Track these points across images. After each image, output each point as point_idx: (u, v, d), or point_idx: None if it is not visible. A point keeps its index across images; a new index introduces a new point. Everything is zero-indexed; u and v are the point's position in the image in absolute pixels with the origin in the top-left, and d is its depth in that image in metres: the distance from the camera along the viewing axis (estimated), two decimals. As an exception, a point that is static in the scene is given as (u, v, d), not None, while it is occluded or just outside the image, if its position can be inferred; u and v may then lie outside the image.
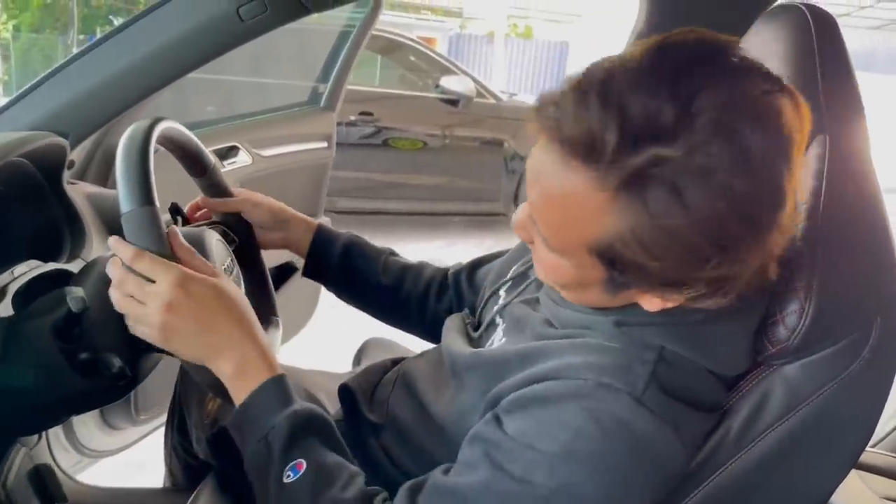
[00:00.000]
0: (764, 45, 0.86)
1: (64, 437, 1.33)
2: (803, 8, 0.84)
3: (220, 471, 1.05)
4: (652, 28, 1.14)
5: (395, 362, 1.05)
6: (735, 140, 0.56)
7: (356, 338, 1.51)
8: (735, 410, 0.75)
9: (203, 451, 1.08)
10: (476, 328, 0.94)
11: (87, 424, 1.38)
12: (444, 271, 1.15)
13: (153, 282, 0.73)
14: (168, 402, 1.27)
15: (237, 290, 0.79)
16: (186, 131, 0.96)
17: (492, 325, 0.89)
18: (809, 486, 0.79)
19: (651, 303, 0.68)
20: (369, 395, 0.97)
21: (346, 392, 0.98)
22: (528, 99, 6.28)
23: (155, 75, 1.09)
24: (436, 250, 4.91)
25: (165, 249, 0.75)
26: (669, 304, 0.67)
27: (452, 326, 0.95)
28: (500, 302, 0.92)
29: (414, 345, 1.27)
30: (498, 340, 0.84)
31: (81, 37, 11.46)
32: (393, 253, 1.17)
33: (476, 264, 1.12)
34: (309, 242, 1.12)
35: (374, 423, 0.92)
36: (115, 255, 0.76)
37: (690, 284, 0.63)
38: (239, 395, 0.76)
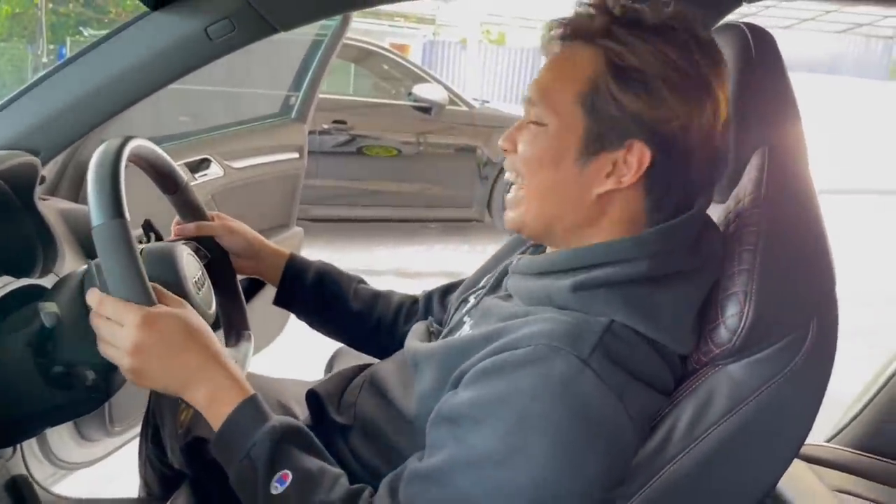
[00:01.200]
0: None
1: (38, 450, 1.33)
2: (743, 26, 0.89)
3: (193, 479, 1.07)
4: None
5: (363, 368, 1.08)
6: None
7: (328, 347, 1.54)
8: (682, 407, 0.79)
9: (177, 461, 1.10)
10: (440, 334, 0.98)
11: (61, 436, 1.39)
12: (414, 297, 1.20)
13: (122, 326, 0.76)
14: (142, 413, 1.28)
15: (199, 319, 0.82)
16: (158, 149, 0.99)
17: (459, 324, 0.93)
18: (754, 477, 0.83)
19: (607, 183, 0.79)
20: (337, 398, 1.00)
21: (313, 397, 1.01)
22: (501, 106, 6.35)
23: (125, 93, 1.11)
24: (411, 256, 4.94)
25: (135, 263, 0.78)
26: (627, 179, 0.78)
27: (415, 331, 0.99)
28: (469, 305, 0.96)
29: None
30: (467, 329, 0.89)
31: (51, 46, 11.34)
32: (362, 281, 1.22)
33: (447, 289, 1.17)
34: (280, 272, 1.15)
35: (342, 424, 0.95)
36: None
37: (645, 133, 0.77)
38: (215, 421, 0.79)
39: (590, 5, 0.82)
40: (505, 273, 0.93)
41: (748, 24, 0.89)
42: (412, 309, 1.18)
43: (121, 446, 1.64)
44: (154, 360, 0.77)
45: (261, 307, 1.90)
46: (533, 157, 0.82)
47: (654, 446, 0.79)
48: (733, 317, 0.77)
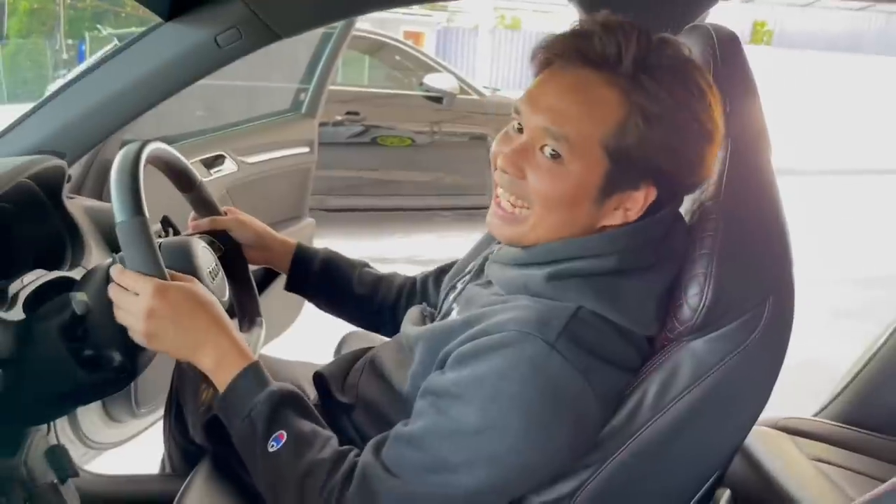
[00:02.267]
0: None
1: (70, 431, 1.43)
2: (709, 27, 0.96)
3: (214, 454, 1.16)
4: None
5: (366, 351, 1.16)
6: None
7: (337, 332, 1.62)
8: (650, 380, 0.87)
9: (199, 437, 1.19)
10: (433, 318, 1.06)
11: (91, 418, 1.49)
12: (413, 279, 1.29)
13: (138, 295, 0.85)
14: (165, 396, 1.38)
15: (208, 293, 0.91)
16: (174, 151, 1.07)
17: (448, 311, 1.02)
18: (716, 443, 0.92)
19: (614, 216, 0.85)
20: (341, 380, 1.09)
21: (319, 378, 1.11)
22: (512, 94, 6.37)
23: (142, 99, 1.21)
24: (424, 245, 5.00)
25: (154, 255, 0.87)
26: (632, 214, 0.85)
27: (410, 315, 1.08)
28: (457, 292, 1.04)
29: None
30: (453, 315, 0.97)
31: (70, 41, 11.47)
32: (366, 265, 1.31)
33: (441, 271, 1.25)
34: (289, 260, 1.24)
35: (346, 403, 1.04)
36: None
37: (658, 176, 0.83)
38: (221, 383, 0.88)
39: (605, 30, 0.82)
40: (485, 261, 1.00)
41: (714, 26, 0.96)
42: (412, 291, 1.27)
43: (147, 428, 1.73)
44: (166, 323, 0.85)
45: (275, 297, 1.99)
46: (552, 196, 0.84)
47: (623, 416, 0.87)
48: (695, 296, 0.85)
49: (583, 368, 0.80)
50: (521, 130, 0.87)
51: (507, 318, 0.83)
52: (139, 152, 0.92)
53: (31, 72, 11.03)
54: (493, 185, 0.91)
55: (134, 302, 0.85)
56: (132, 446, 1.73)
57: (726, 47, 0.94)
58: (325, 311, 1.31)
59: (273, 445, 0.84)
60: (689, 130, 0.82)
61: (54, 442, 1.22)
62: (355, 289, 1.26)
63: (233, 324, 0.92)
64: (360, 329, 1.52)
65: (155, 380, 1.48)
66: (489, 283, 0.97)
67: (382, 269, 1.34)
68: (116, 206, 0.86)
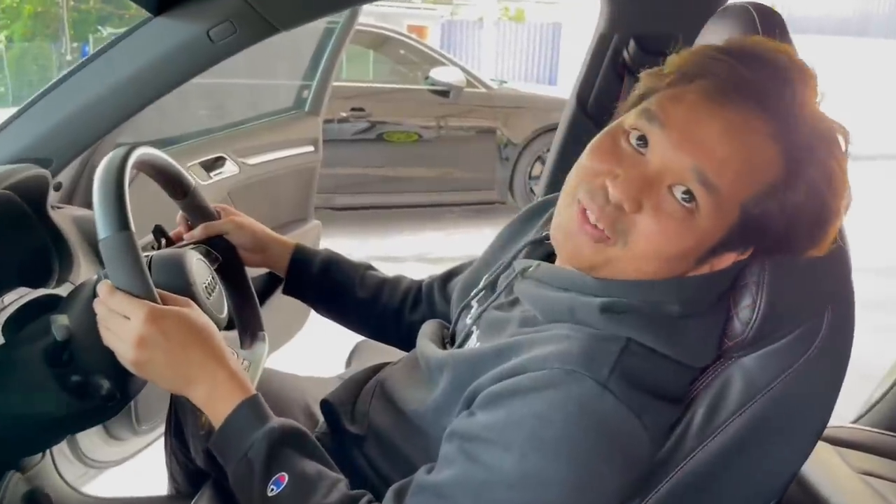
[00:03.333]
0: (717, 42, 0.89)
1: (68, 450, 1.36)
2: (750, 7, 0.86)
3: (216, 479, 1.08)
4: (613, 27, 1.17)
5: (376, 370, 1.07)
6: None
7: (349, 340, 1.55)
8: (697, 401, 0.78)
9: (201, 461, 1.12)
10: (452, 339, 0.97)
11: (90, 437, 1.42)
12: (419, 284, 1.19)
13: (129, 319, 0.77)
14: (166, 413, 1.30)
15: (205, 318, 0.83)
16: (164, 156, 0.99)
17: (468, 335, 0.91)
18: (773, 470, 0.82)
19: (700, 269, 0.75)
20: (350, 407, 0.99)
21: (327, 407, 1.01)
22: (519, 86, 6.30)
23: (132, 99, 1.13)
24: (434, 242, 4.93)
25: (142, 276, 0.79)
26: (716, 268, 0.75)
27: (428, 332, 0.98)
28: (474, 311, 0.94)
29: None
30: (473, 344, 0.87)
31: (74, 44, 11.47)
32: (370, 267, 1.21)
33: (448, 276, 1.16)
34: (287, 262, 1.15)
35: (356, 434, 0.94)
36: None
37: (773, 244, 0.73)
38: (216, 418, 0.80)
39: (777, 66, 0.70)
40: (498, 273, 0.91)
41: (755, 5, 0.87)
42: (417, 297, 1.18)
43: (148, 445, 1.67)
44: (157, 353, 0.77)
45: (279, 305, 1.92)
46: (665, 251, 0.72)
47: (670, 444, 0.78)
48: (746, 308, 0.76)
49: (636, 407, 0.70)
50: (638, 147, 0.73)
51: (548, 352, 0.72)
52: (125, 159, 0.84)
53: (36, 75, 11.04)
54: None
55: (124, 326, 0.77)
56: (134, 465, 1.66)
57: (769, 27, 0.85)
58: (326, 316, 1.21)
59: (273, 489, 0.75)
60: (829, 204, 0.71)
61: (48, 469, 1.16)
62: (357, 293, 1.16)
63: (231, 351, 0.84)
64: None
65: (157, 396, 1.41)
66: (514, 302, 0.87)
67: (391, 268, 1.25)
68: (99, 221, 0.79)
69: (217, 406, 0.80)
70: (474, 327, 0.90)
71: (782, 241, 0.73)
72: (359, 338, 1.56)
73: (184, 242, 1.08)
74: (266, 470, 0.76)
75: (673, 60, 0.76)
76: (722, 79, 0.70)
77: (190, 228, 1.10)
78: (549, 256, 0.87)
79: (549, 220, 0.85)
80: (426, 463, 0.77)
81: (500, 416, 0.71)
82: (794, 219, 0.71)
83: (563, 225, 0.77)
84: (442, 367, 0.84)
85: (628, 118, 0.75)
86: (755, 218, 0.71)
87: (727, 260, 0.75)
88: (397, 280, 1.20)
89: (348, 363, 1.48)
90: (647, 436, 0.71)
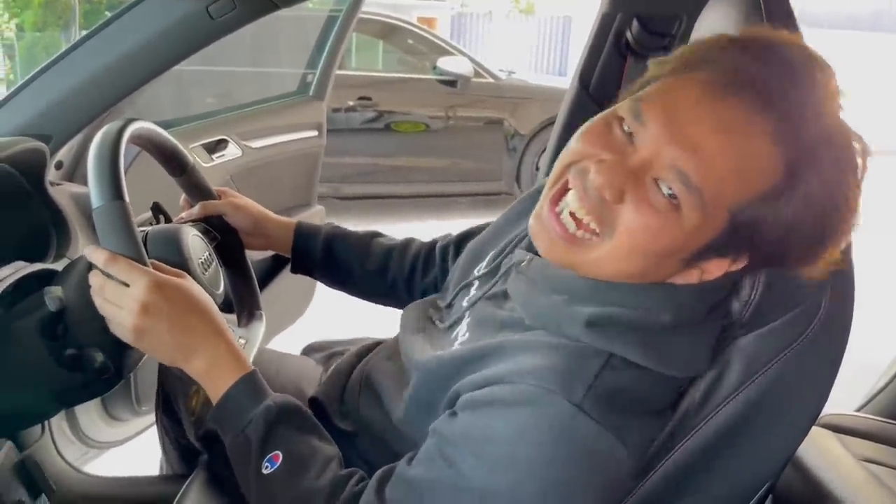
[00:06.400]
0: (718, 23, 0.88)
1: (69, 430, 1.37)
2: (753, -14, 0.85)
3: (209, 461, 1.08)
4: (616, 7, 1.16)
5: (360, 355, 1.06)
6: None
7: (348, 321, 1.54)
8: (693, 386, 0.78)
9: (193, 438, 1.11)
10: (443, 319, 0.95)
11: (90, 416, 1.42)
12: (431, 245, 1.17)
13: (128, 286, 0.76)
14: (164, 391, 1.30)
15: (203, 292, 0.82)
16: (162, 132, 0.99)
17: (459, 319, 0.89)
18: (769, 451, 0.82)
19: (691, 275, 0.71)
20: (338, 402, 0.98)
21: (316, 404, 1.00)
22: (528, 77, 6.26)
23: (131, 75, 1.12)
24: (441, 232, 4.90)
25: (135, 245, 0.78)
26: (708, 277, 0.71)
27: (411, 323, 0.96)
28: (472, 295, 0.92)
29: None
30: (461, 335, 0.85)
31: (84, 32, 11.48)
32: (377, 235, 1.19)
33: (463, 238, 1.13)
34: (290, 242, 1.14)
35: (348, 431, 0.94)
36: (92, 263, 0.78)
37: (769, 254, 0.69)
38: (214, 392, 0.79)
39: (788, 65, 0.65)
40: (499, 263, 0.89)
41: (759, -16, 0.85)
42: (429, 259, 1.15)
43: (149, 426, 1.67)
44: (160, 322, 0.76)
45: (284, 286, 1.92)
46: (646, 244, 0.68)
47: (671, 425, 0.77)
48: (744, 287, 0.75)
49: (614, 427, 0.67)
50: (630, 134, 0.69)
51: (528, 366, 0.70)
52: (121, 131, 0.84)
53: (47, 64, 11.06)
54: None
55: (124, 293, 0.76)
56: (136, 445, 1.67)
57: (773, 8, 0.83)
58: (335, 288, 1.20)
59: (267, 467, 0.75)
60: (833, 216, 0.67)
61: (48, 448, 1.16)
62: (365, 265, 1.15)
63: (230, 326, 0.83)
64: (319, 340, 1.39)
65: (156, 376, 1.41)
66: (504, 295, 0.84)
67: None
68: (93, 190, 0.78)
69: (216, 379, 0.79)
70: (467, 313, 0.88)
71: (775, 254, 0.69)
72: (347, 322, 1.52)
73: (181, 219, 1.07)
74: (262, 448, 0.76)
75: (679, 49, 0.72)
76: (724, 70, 0.66)
77: (190, 207, 1.10)
78: None
79: None
80: None
81: (479, 426, 0.70)
82: (791, 232, 0.66)
83: (537, 218, 0.75)
84: (428, 370, 0.82)
85: (623, 104, 0.71)
86: (746, 225, 0.67)
87: (719, 268, 0.71)
88: (405, 246, 1.18)
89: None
90: (627, 454, 0.69)
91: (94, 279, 0.78)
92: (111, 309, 0.78)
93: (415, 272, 1.15)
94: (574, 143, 0.73)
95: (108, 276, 0.77)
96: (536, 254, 0.80)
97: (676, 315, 0.72)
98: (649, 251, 0.69)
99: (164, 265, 0.82)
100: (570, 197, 0.71)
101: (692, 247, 0.69)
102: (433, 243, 1.17)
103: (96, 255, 0.77)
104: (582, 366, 0.69)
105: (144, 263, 0.78)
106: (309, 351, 1.31)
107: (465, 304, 0.91)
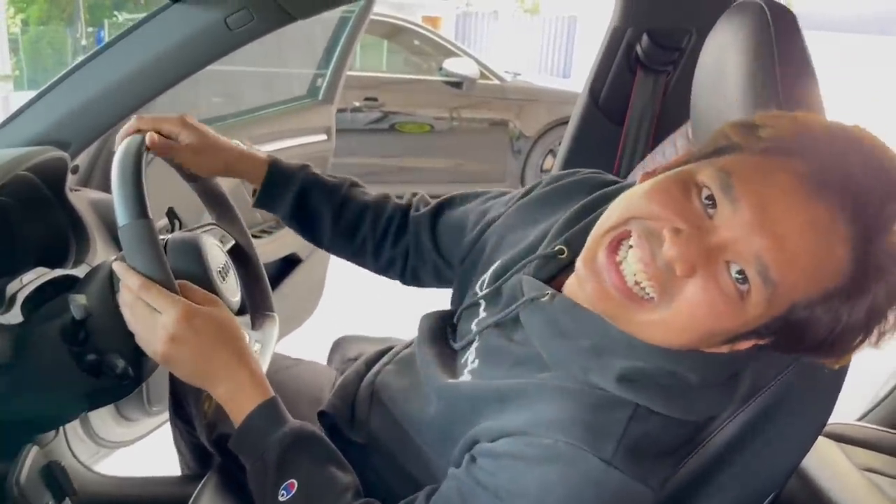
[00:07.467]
0: (727, 41, 0.89)
1: (81, 430, 1.39)
2: (762, 4, 0.87)
3: (223, 463, 1.10)
4: (626, 21, 1.17)
5: (368, 365, 1.06)
6: None
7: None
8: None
9: (205, 441, 1.13)
10: (455, 338, 0.94)
11: (102, 417, 1.44)
12: (405, 210, 1.12)
13: (160, 313, 0.78)
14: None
15: (231, 317, 0.84)
16: None
17: (469, 343, 0.88)
18: (775, 463, 0.84)
19: (723, 347, 0.70)
20: (349, 415, 0.99)
21: (325, 417, 1.01)
22: (535, 78, 6.27)
23: (150, 84, 1.14)
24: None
25: (164, 269, 0.80)
26: (738, 349, 0.70)
27: (427, 335, 0.94)
28: (480, 317, 0.89)
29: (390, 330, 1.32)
30: (471, 363, 0.85)
31: (89, 29, 11.51)
32: (354, 184, 1.14)
33: (437, 212, 1.09)
34: (262, 176, 1.07)
35: (359, 444, 0.94)
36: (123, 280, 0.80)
37: (800, 345, 0.68)
38: (235, 417, 0.82)
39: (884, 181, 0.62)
40: (504, 281, 0.87)
41: (768, 2, 0.87)
42: (402, 225, 1.11)
43: (161, 425, 1.69)
44: (186, 352, 0.78)
45: (293, 287, 1.94)
46: (705, 327, 0.66)
47: None
48: None
49: (642, 476, 0.68)
50: (711, 204, 0.65)
51: (552, 416, 0.70)
52: (141, 146, 0.86)
53: (51, 59, 11.10)
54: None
55: (154, 319, 0.78)
56: (147, 445, 1.69)
57: (782, 26, 0.85)
58: (304, 238, 1.15)
59: (283, 495, 0.77)
60: (884, 325, 0.65)
61: (61, 448, 1.18)
62: (338, 221, 1.10)
63: (244, 329, 0.85)
64: (351, 334, 1.41)
65: (168, 376, 1.43)
66: (514, 323, 0.83)
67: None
68: (119, 209, 0.80)
69: (237, 405, 0.81)
70: (477, 337, 0.88)
71: (814, 347, 0.67)
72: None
73: (196, 225, 1.09)
74: (278, 475, 0.78)
75: (771, 122, 0.68)
76: (822, 165, 0.62)
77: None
78: (561, 270, 0.83)
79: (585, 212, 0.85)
80: (428, 479, 0.80)
81: (502, 478, 0.69)
82: (842, 334, 0.65)
83: (593, 259, 0.71)
84: (446, 398, 0.83)
85: (703, 171, 0.66)
86: (800, 321, 0.65)
87: (749, 342, 0.70)
88: (380, 206, 1.12)
89: (329, 361, 1.41)
90: (653, 496, 0.69)
91: (126, 294, 0.80)
92: (140, 329, 0.80)
93: (386, 237, 1.11)
94: (643, 199, 0.69)
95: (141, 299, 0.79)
96: (546, 281, 0.81)
97: (703, 378, 0.72)
98: (703, 330, 0.67)
99: (192, 287, 0.84)
100: (632, 258, 0.68)
101: (742, 327, 0.67)
102: (407, 209, 1.12)
103: (129, 279, 0.79)
104: (609, 419, 0.69)
105: (174, 288, 0.80)
106: (336, 347, 1.32)
107: (473, 327, 0.89)
